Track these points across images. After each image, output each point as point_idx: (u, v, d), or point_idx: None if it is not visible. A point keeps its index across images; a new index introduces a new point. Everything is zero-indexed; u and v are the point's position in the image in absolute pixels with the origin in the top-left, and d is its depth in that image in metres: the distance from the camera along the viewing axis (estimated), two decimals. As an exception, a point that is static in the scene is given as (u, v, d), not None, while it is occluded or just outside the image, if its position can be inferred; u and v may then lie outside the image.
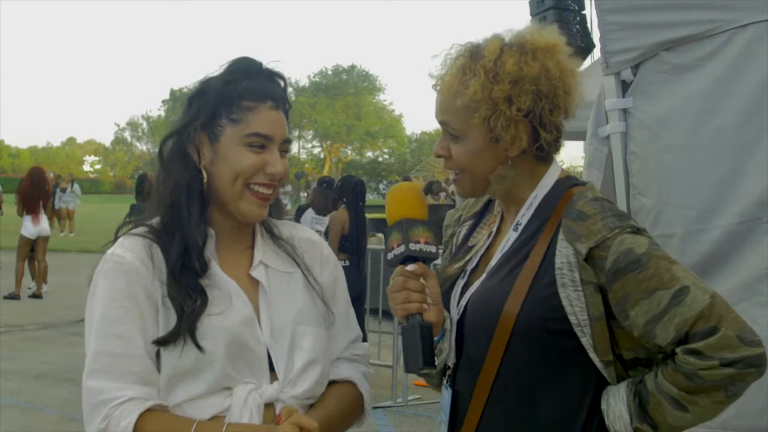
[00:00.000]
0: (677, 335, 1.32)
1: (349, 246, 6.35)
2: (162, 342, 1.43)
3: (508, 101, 1.44)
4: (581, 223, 1.40)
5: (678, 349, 1.33)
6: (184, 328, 1.42)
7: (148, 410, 1.40)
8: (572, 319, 1.38)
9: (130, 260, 1.46)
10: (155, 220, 1.55)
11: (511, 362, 1.43)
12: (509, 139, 1.46)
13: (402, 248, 1.46)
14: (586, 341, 1.39)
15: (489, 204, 1.68)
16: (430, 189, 15.75)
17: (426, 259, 1.48)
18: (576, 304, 1.38)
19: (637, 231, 1.40)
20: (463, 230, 1.68)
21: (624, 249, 1.36)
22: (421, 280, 1.48)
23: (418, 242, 1.47)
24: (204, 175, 1.52)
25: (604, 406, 1.41)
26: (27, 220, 10.67)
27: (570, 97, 1.49)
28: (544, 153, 1.51)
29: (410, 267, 1.47)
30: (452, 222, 1.74)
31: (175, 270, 1.46)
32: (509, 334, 1.41)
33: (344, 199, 6.60)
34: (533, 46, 1.47)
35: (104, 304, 1.45)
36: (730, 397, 1.32)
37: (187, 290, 1.45)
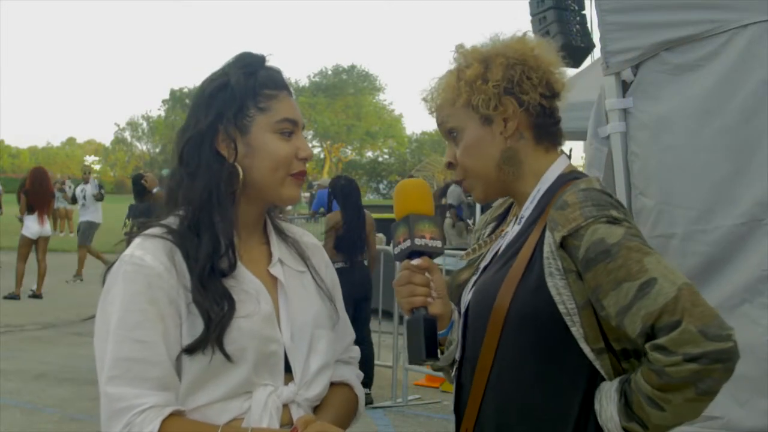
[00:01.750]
0: (643, 328, 1.30)
1: (343, 246, 6.24)
2: (190, 350, 1.40)
3: (483, 79, 1.51)
4: (561, 212, 1.41)
5: (647, 345, 1.31)
6: (213, 337, 1.39)
7: (170, 416, 1.38)
8: (561, 308, 1.39)
9: (151, 264, 1.42)
10: (171, 220, 1.51)
11: (504, 354, 1.44)
12: (498, 114, 1.51)
13: (407, 243, 1.49)
14: (576, 330, 1.39)
15: (511, 207, 1.69)
16: (445, 193, 15.66)
17: (431, 253, 1.51)
18: (563, 293, 1.39)
19: (615, 221, 1.37)
20: (486, 232, 1.71)
21: (595, 239, 1.35)
22: (426, 274, 1.50)
23: (423, 237, 1.49)
24: (240, 171, 1.50)
25: (597, 406, 1.40)
26: (30, 220, 10.65)
27: (541, 61, 1.53)
28: (543, 134, 1.54)
29: (415, 261, 1.49)
30: (480, 226, 1.76)
31: (202, 275, 1.43)
32: (501, 326, 1.43)
33: (339, 202, 6.45)
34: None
35: (123, 308, 1.41)
36: (701, 394, 1.28)
37: (213, 296, 1.42)
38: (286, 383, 1.48)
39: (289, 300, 1.53)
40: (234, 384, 1.42)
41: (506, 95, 1.50)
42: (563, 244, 1.39)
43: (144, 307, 1.40)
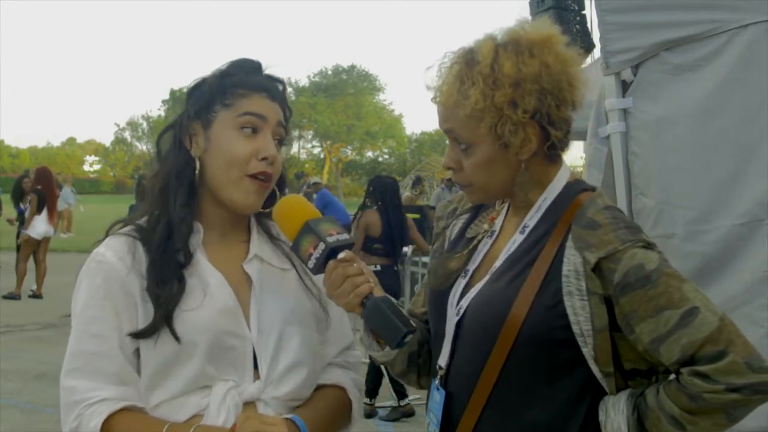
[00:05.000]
0: (683, 356, 1.31)
1: (383, 249, 5.99)
2: (138, 335, 1.41)
3: (513, 105, 1.40)
4: (592, 232, 1.38)
5: (684, 370, 1.31)
6: (159, 315, 1.40)
7: (122, 410, 1.38)
8: (575, 328, 1.36)
9: (110, 259, 1.46)
10: (143, 219, 1.54)
11: (512, 367, 1.40)
12: (519, 143, 1.43)
13: (322, 246, 1.43)
14: (587, 351, 1.37)
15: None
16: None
17: (346, 246, 1.46)
18: (580, 314, 1.36)
19: (649, 246, 1.37)
20: (459, 223, 1.65)
21: (634, 264, 1.34)
22: (355, 264, 1.44)
23: (332, 235, 1.45)
24: (197, 164, 1.52)
25: (602, 417, 1.39)
26: (38, 221, 10.60)
27: (575, 89, 1.45)
28: (555, 151, 1.49)
29: (342, 255, 1.44)
30: (446, 214, 1.70)
31: (156, 257, 1.45)
32: (514, 339, 1.39)
33: (379, 201, 6.13)
34: (528, 41, 1.43)
35: (83, 303, 1.46)
36: (731, 420, 1.31)
37: (164, 278, 1.43)
38: (254, 381, 1.47)
39: (261, 296, 1.52)
40: (189, 377, 1.42)
41: (532, 120, 1.42)
42: (597, 266, 1.36)
43: (101, 303, 1.44)
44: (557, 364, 1.40)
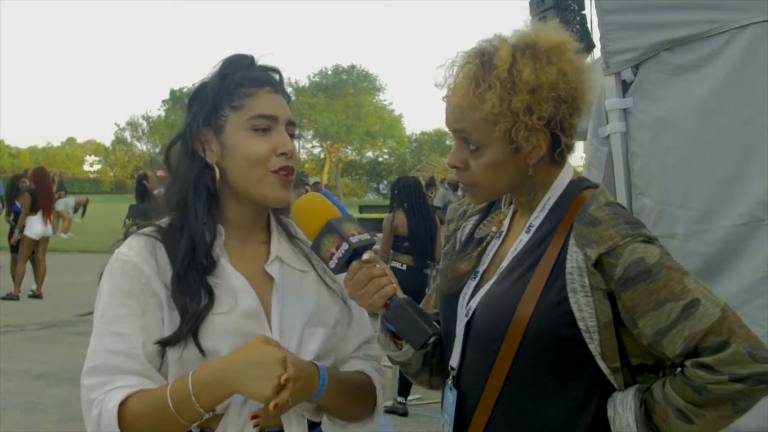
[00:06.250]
0: (686, 348, 1.31)
1: (410, 247, 5.91)
2: (164, 343, 1.42)
3: (529, 111, 1.40)
4: (593, 229, 1.39)
5: (687, 362, 1.32)
6: (186, 329, 1.41)
7: (139, 392, 1.39)
8: (581, 325, 1.37)
9: (133, 259, 1.46)
10: (164, 220, 1.54)
11: (520, 366, 1.41)
12: (530, 148, 1.43)
13: (345, 246, 1.42)
14: (594, 348, 1.38)
15: (495, 201, 1.66)
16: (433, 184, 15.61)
17: (368, 247, 1.45)
18: (585, 310, 1.37)
19: (649, 240, 1.38)
20: (469, 225, 1.67)
21: (635, 258, 1.34)
22: (378, 265, 1.44)
23: (354, 235, 1.44)
24: (216, 171, 1.51)
25: (610, 413, 1.39)
26: (33, 221, 10.59)
27: (587, 98, 1.47)
28: (562, 157, 1.50)
29: (366, 256, 1.43)
30: (456, 216, 1.72)
31: (180, 270, 1.45)
32: (521, 338, 1.40)
33: (404, 202, 6.08)
34: (545, 47, 1.43)
35: (106, 303, 1.45)
36: (737, 411, 1.31)
37: (191, 290, 1.43)
38: None
39: (283, 298, 1.53)
40: None
41: (545, 127, 1.43)
42: (598, 262, 1.37)
43: (124, 302, 1.44)
44: (565, 361, 1.41)
